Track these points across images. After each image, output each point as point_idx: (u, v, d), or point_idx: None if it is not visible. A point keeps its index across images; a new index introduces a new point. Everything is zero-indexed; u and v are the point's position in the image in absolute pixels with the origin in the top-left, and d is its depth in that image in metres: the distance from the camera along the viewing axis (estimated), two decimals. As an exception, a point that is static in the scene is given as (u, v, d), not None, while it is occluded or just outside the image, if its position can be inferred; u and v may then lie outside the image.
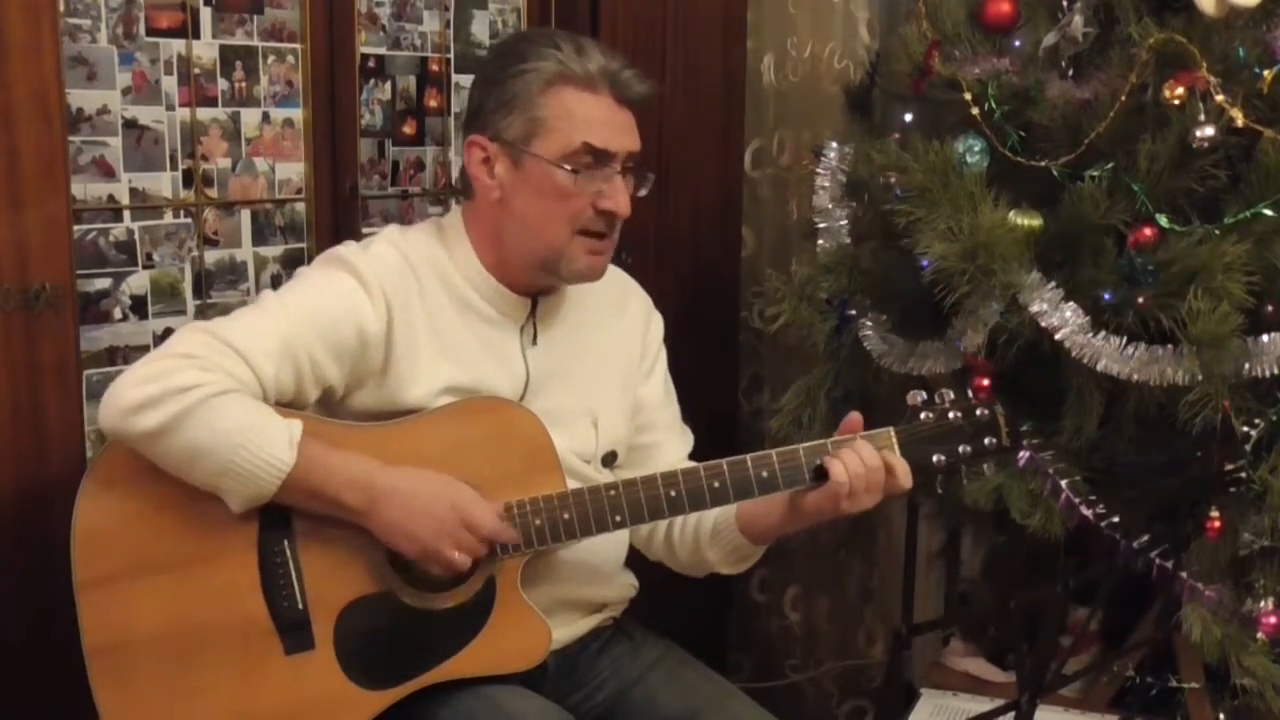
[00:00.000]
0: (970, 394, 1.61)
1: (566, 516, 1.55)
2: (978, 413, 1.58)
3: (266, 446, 1.45)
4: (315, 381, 1.55)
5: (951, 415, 1.57)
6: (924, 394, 1.58)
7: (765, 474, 1.55)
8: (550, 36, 1.60)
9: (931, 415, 1.57)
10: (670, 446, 1.79)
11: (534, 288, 1.66)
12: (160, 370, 1.46)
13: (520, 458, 1.58)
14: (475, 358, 1.62)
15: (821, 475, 1.54)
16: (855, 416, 1.58)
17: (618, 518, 1.56)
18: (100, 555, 1.49)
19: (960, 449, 1.57)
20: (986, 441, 1.57)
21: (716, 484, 1.55)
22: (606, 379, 1.73)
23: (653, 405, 1.79)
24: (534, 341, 1.67)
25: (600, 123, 1.58)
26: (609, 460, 1.73)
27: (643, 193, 1.65)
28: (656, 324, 1.83)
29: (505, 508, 1.55)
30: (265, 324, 1.52)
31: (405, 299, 1.58)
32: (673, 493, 1.55)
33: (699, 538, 1.73)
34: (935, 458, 1.56)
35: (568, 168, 1.56)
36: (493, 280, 1.64)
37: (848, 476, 1.52)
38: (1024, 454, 1.77)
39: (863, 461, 1.52)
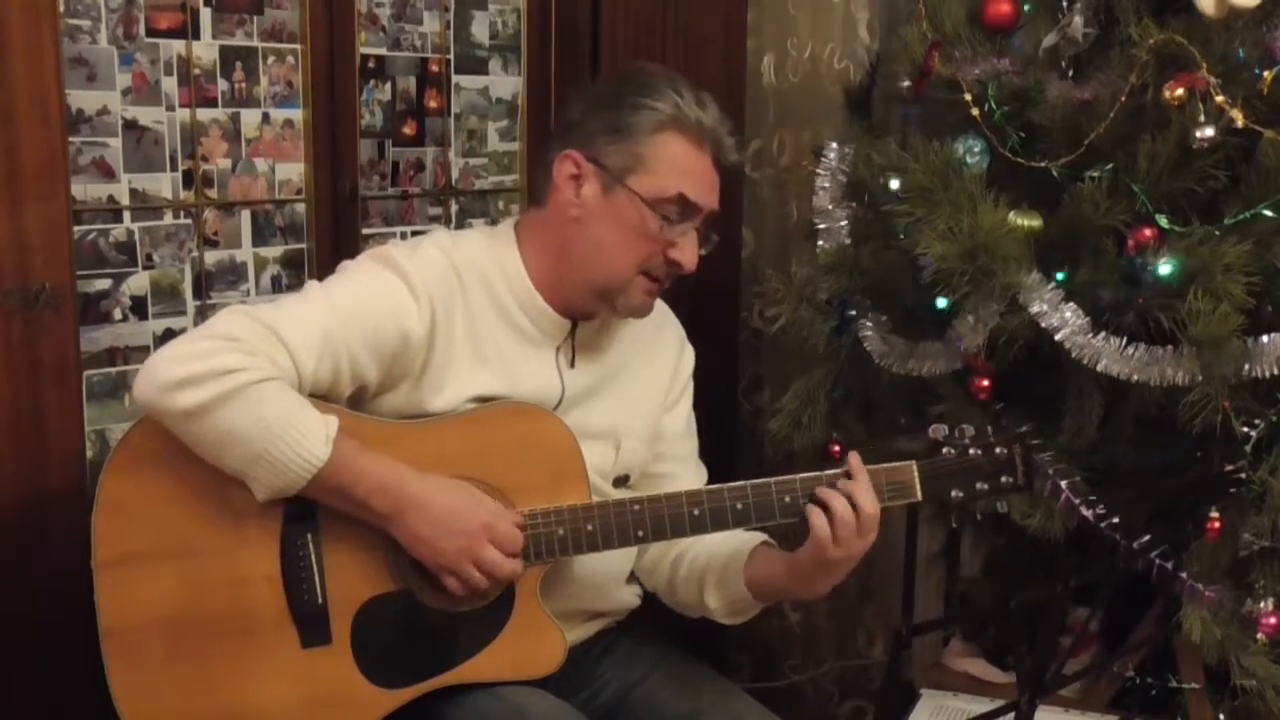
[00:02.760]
0: (989, 430, 1.62)
1: (590, 528, 1.55)
2: (997, 451, 1.59)
3: (303, 439, 1.44)
4: (351, 379, 1.54)
5: (972, 452, 1.59)
6: (945, 429, 1.60)
7: (788, 499, 1.55)
8: (673, 79, 1.61)
9: (953, 451, 1.58)
10: (683, 479, 1.78)
11: (577, 311, 1.65)
12: (204, 350, 1.45)
13: (548, 465, 1.58)
14: (510, 370, 1.62)
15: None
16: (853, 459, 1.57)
17: (640, 532, 1.56)
18: (121, 534, 1.49)
19: (978, 486, 1.59)
20: (1003, 480, 1.60)
21: (739, 505, 1.56)
22: (634, 405, 1.73)
23: (673, 436, 1.79)
24: (571, 364, 1.67)
25: (698, 178, 1.60)
26: (620, 482, 1.73)
27: (704, 251, 1.65)
28: (688, 357, 1.83)
29: (529, 516, 1.55)
30: (310, 316, 1.51)
31: (449, 306, 1.58)
32: (696, 511, 1.55)
33: (704, 582, 1.70)
34: (954, 493, 1.58)
35: (660, 213, 1.57)
36: (538, 297, 1.63)
37: (824, 521, 1.52)
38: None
39: (851, 502, 1.52)
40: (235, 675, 1.51)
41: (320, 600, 1.52)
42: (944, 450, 1.59)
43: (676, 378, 1.80)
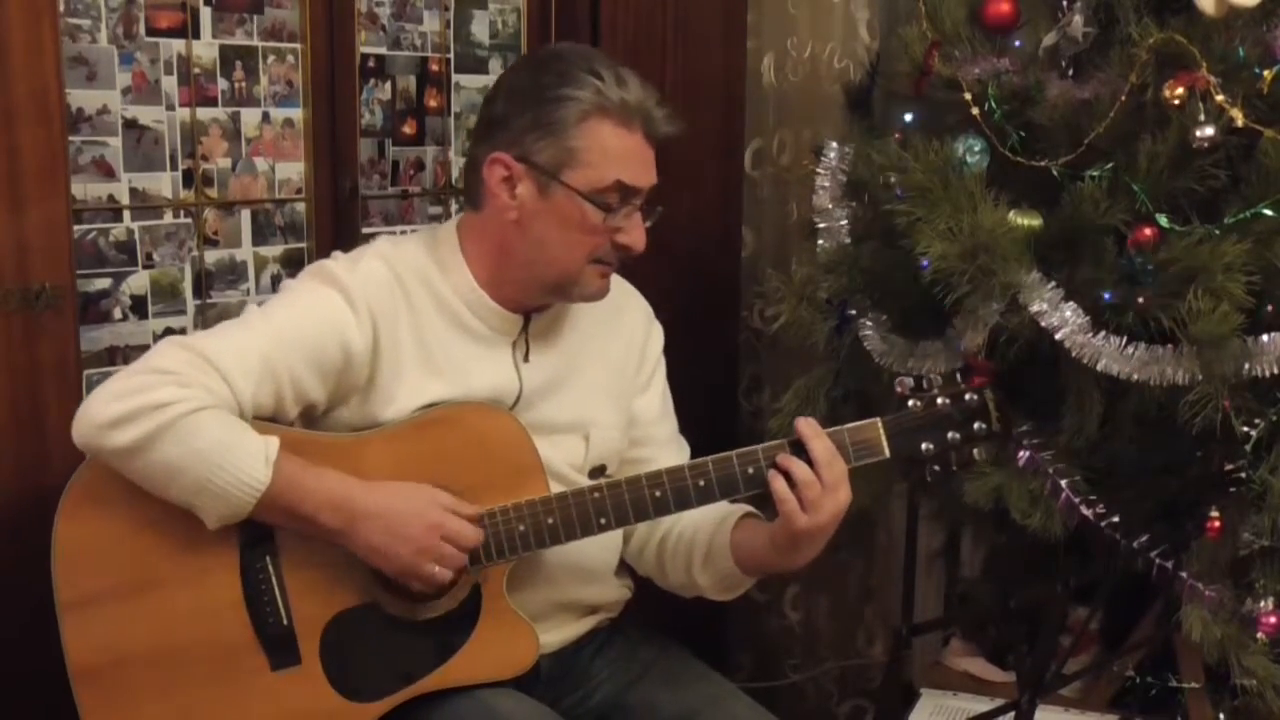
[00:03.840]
0: (959, 378, 1.58)
1: (550, 521, 1.54)
2: (966, 398, 1.55)
3: (242, 464, 1.44)
4: (296, 399, 1.53)
5: (940, 402, 1.55)
6: (911, 380, 1.56)
7: (751, 471, 1.53)
8: (589, 60, 1.56)
9: (919, 403, 1.54)
10: (663, 461, 1.73)
11: (529, 305, 1.64)
12: (136, 385, 1.44)
13: (502, 462, 1.57)
14: (464, 374, 1.60)
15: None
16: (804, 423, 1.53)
17: (603, 520, 1.54)
18: (82, 576, 1.49)
19: (950, 436, 1.54)
20: (976, 427, 1.55)
21: (702, 482, 1.53)
22: (600, 392, 1.71)
23: (649, 419, 1.77)
24: (526, 358, 1.65)
25: (632, 160, 1.56)
26: (597, 474, 1.71)
27: (648, 224, 1.62)
28: (656, 335, 1.80)
29: (488, 515, 1.53)
30: (247, 341, 1.51)
31: (393, 316, 1.57)
32: (658, 493, 1.53)
33: (691, 560, 1.69)
34: (924, 446, 1.54)
35: (599, 203, 1.55)
36: (485, 298, 1.61)
37: (785, 485, 1.49)
38: (1024, 454, 1.77)
39: (814, 461, 1.49)
40: (209, 705, 1.51)
41: (285, 622, 1.52)
42: (910, 403, 1.54)
43: (645, 358, 1.77)
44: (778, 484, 1.49)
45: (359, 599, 1.54)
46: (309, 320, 1.53)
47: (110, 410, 1.43)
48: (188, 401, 1.44)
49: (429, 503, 1.51)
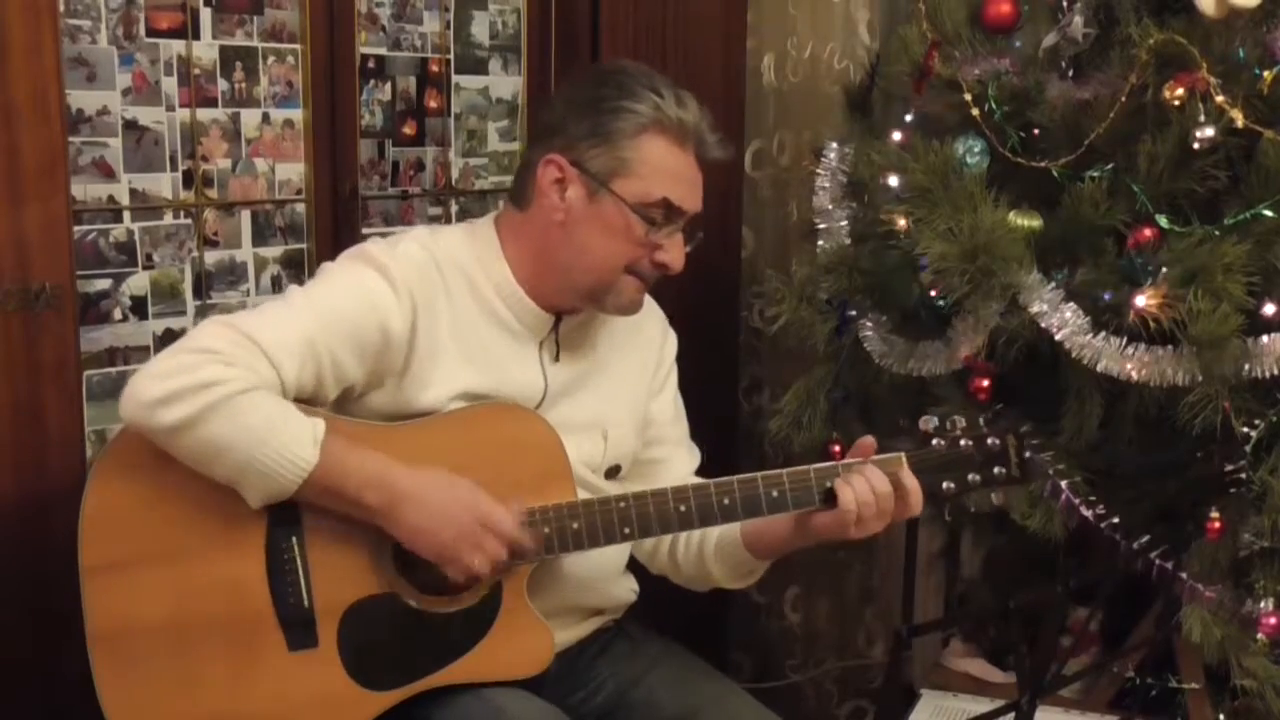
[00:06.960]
0: (981, 422, 1.61)
1: (575, 526, 1.55)
2: (989, 441, 1.59)
3: (290, 444, 1.44)
4: (336, 381, 1.54)
5: (963, 443, 1.58)
6: (936, 420, 1.59)
7: (775, 494, 1.55)
8: (650, 78, 1.60)
9: (943, 442, 1.58)
10: (677, 462, 1.79)
11: (562, 307, 1.65)
12: (183, 364, 1.45)
13: (533, 465, 1.58)
14: (495, 365, 1.61)
15: (831, 498, 1.55)
16: (868, 442, 1.58)
17: (627, 530, 1.56)
18: (108, 541, 1.49)
19: (970, 477, 1.58)
20: (996, 470, 1.59)
21: (726, 501, 1.56)
22: (620, 394, 1.73)
23: (662, 421, 1.79)
24: (555, 358, 1.67)
25: (682, 180, 1.59)
26: (612, 473, 1.73)
27: (689, 248, 1.64)
28: (671, 343, 1.83)
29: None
30: (290, 321, 1.51)
31: (430, 300, 1.58)
32: (683, 507, 1.55)
33: (703, 553, 1.72)
34: (945, 485, 1.58)
35: (644, 216, 1.57)
36: (521, 294, 1.63)
37: (856, 504, 1.52)
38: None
39: (873, 489, 1.53)
40: (223, 680, 1.51)
41: (306, 603, 1.52)
42: (935, 442, 1.58)
43: (661, 364, 1.80)
44: (845, 494, 1.53)
45: (380, 587, 1.55)
46: (350, 301, 1.54)
47: (157, 389, 1.43)
48: (234, 381, 1.44)
49: (473, 490, 1.51)
